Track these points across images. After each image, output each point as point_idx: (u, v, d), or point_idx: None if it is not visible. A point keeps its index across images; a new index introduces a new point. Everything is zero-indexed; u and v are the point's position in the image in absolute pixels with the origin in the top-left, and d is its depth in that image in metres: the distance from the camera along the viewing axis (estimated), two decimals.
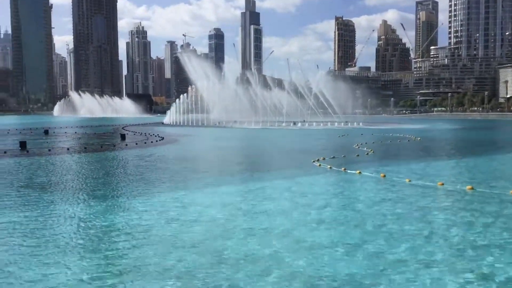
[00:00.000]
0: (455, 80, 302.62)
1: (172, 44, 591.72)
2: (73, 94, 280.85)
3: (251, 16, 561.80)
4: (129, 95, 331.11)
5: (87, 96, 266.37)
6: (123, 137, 53.34)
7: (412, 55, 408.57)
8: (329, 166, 27.34)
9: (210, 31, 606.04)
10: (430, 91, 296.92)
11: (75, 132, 71.19)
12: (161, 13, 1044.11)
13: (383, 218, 15.05)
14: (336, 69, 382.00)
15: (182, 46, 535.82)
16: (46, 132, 65.83)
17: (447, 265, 10.60)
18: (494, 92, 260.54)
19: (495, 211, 16.09)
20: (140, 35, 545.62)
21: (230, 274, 10.02)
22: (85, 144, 47.17)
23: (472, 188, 20.00)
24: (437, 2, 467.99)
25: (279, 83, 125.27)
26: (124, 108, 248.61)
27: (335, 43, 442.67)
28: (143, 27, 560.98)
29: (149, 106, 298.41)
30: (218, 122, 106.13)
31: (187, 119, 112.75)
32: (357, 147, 42.09)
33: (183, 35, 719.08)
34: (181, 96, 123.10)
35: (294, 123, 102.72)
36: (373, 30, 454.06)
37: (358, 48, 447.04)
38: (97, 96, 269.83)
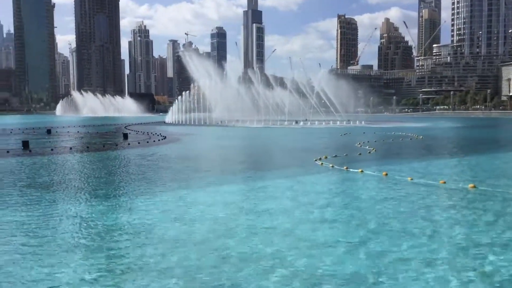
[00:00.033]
0: (458, 78, 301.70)
1: (174, 43, 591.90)
2: (75, 94, 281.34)
3: (253, 15, 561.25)
4: (131, 94, 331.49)
5: (89, 96, 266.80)
6: (125, 136, 53.42)
7: (415, 53, 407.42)
8: (331, 165, 27.33)
9: (212, 30, 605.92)
10: (433, 89, 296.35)
11: (78, 132, 71.36)
12: (163, 12, 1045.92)
13: (385, 217, 15.05)
14: (338, 67, 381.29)
15: (184, 45, 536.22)
16: (49, 131, 65.99)
17: (450, 263, 10.60)
18: (496, 90, 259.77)
19: (498, 209, 16.08)
20: (142, 34, 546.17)
21: (232, 273, 10.05)
22: (87, 143, 47.28)
23: (474, 187, 19.97)
24: (439, 0, 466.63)
25: (281, 82, 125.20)
26: (126, 107, 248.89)
27: (337, 42, 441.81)
28: (145, 26, 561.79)
29: (152, 105, 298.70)
30: (220, 121, 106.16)
31: (189, 118, 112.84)
32: (359, 145, 42.06)
33: (185, 34, 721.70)
34: (183, 93, 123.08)
35: (296, 122, 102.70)
36: (376, 28, 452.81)
37: (360, 46, 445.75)
38: (99, 96, 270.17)
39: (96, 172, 26.64)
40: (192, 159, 34.49)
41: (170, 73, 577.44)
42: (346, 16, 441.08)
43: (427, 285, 9.41)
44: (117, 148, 41.29)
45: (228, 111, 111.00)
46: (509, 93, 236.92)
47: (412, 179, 22.13)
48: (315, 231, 13.34)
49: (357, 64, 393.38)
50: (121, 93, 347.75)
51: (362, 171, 24.88)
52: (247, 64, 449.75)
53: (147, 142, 47.07)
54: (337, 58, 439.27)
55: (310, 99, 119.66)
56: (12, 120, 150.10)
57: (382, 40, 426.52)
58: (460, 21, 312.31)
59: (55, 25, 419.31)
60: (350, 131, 70.36)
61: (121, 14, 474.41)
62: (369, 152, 36.21)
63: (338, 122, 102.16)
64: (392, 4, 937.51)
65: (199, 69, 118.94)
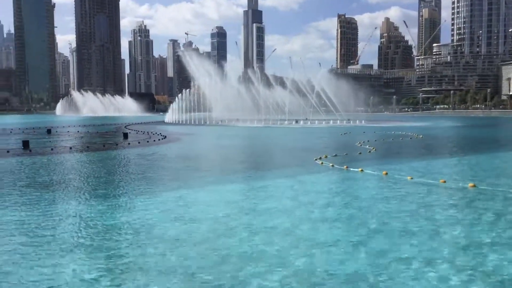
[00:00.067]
0: (458, 78, 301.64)
1: (174, 43, 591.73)
2: (75, 93, 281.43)
3: (254, 14, 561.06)
4: (132, 94, 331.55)
5: (89, 95, 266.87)
6: (125, 136, 53.44)
7: (415, 52, 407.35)
8: (331, 164, 27.33)
9: (212, 30, 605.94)
10: (433, 88, 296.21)
11: (78, 131, 71.38)
12: (163, 11, 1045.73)
13: (385, 216, 15.06)
14: (338, 67, 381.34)
15: (184, 44, 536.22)
16: (49, 131, 66.01)
17: (450, 262, 10.60)
18: (496, 89, 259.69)
19: (498, 209, 16.08)
20: (142, 33, 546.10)
21: (233, 273, 10.05)
22: (87, 143, 47.29)
23: (474, 186, 19.98)
24: None
25: (281, 81, 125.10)
26: (126, 107, 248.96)
27: (337, 41, 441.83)
28: (145, 26, 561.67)
29: (152, 104, 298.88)
30: (220, 121, 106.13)
31: (189, 118, 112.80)
32: (359, 145, 42.07)
33: (186, 33, 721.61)
34: (183, 90, 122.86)
35: (297, 121, 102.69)
36: (376, 28, 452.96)
37: (360, 46, 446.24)
38: (99, 95, 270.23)
39: (96, 172, 26.64)
40: (192, 159, 34.50)
41: (170, 72, 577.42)
42: (346, 16, 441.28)
43: (427, 284, 9.41)
44: (117, 148, 41.30)
45: (228, 111, 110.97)
46: (509, 92, 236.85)
47: (412, 178, 22.14)
48: (315, 230, 13.35)
49: (357, 63, 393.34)
50: (121, 92, 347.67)
51: (362, 170, 24.89)
52: (247, 63, 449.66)
53: (147, 141, 47.08)
54: (337, 58, 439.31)
55: (310, 99, 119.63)
56: (12, 120, 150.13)
57: (382, 40, 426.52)
58: (460, 20, 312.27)
59: (55, 25, 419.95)
60: (350, 130, 70.36)
61: (121, 14, 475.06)
62: (369, 152, 36.22)
63: (338, 122, 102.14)
64: (392, 4, 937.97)
65: (199, 69, 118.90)
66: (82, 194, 19.42)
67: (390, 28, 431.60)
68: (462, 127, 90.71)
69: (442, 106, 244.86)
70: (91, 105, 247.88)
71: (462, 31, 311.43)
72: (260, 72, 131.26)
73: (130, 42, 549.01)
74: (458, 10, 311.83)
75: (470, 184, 20.26)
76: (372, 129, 75.29)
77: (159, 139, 49.87)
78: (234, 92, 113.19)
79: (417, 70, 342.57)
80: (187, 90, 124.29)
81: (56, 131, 69.90)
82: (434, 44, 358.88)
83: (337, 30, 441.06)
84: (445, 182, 21.12)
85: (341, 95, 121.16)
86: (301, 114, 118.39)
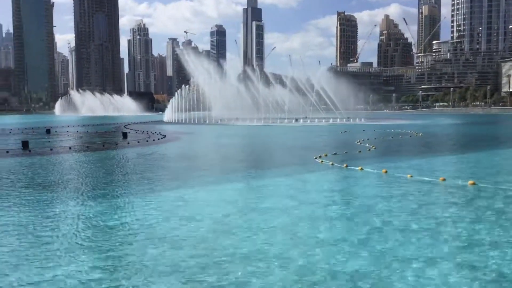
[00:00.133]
0: (458, 75, 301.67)
1: (173, 41, 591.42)
2: (73, 92, 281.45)
3: (253, 12, 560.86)
4: (131, 93, 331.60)
5: (87, 94, 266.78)
6: (125, 135, 53.41)
7: (414, 50, 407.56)
8: (331, 163, 27.33)
9: (211, 28, 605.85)
10: (432, 86, 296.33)
11: (77, 131, 71.35)
12: (162, 10, 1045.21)
13: (384, 214, 15.04)
14: (338, 64, 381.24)
15: (183, 43, 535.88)
16: (48, 131, 65.97)
17: (449, 260, 10.59)
18: (496, 86, 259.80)
19: (498, 206, 16.07)
20: (141, 32, 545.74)
21: (234, 272, 10.04)
22: (87, 143, 47.26)
23: (474, 183, 19.96)
24: None
25: (281, 80, 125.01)
26: (125, 106, 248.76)
27: (337, 39, 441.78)
28: (144, 25, 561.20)
29: (151, 104, 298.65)
30: (219, 120, 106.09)
31: (188, 117, 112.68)
32: (359, 143, 42.07)
33: (185, 32, 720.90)
34: (183, 86, 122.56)
35: (296, 120, 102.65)
36: (375, 25, 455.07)
37: (360, 43, 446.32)
38: (97, 94, 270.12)
39: (96, 172, 26.61)
40: (192, 158, 34.50)
41: (169, 71, 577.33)
42: (345, 13, 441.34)
43: (426, 282, 9.40)
44: (117, 148, 41.28)
45: (228, 109, 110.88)
46: (509, 89, 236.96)
47: (411, 176, 22.13)
48: (315, 229, 13.34)
49: (357, 61, 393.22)
50: (120, 92, 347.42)
51: (362, 168, 24.88)
52: (247, 62, 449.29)
53: (147, 141, 47.06)
54: (336, 56, 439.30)
55: (309, 97, 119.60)
56: (11, 120, 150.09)
57: (382, 37, 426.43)
58: (460, 17, 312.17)
59: (54, 24, 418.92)
60: (350, 128, 70.35)
61: (120, 13, 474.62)
62: (369, 150, 36.21)
63: (338, 120, 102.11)
64: (391, 1, 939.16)
65: (197, 67, 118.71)
66: (82, 194, 19.39)
67: (389, 26, 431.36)
68: (461, 124, 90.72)
69: (441, 103, 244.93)
70: (90, 104, 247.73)
71: (462, 28, 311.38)
72: (259, 70, 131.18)
73: (129, 41, 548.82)
74: (458, 7, 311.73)
75: (470, 182, 20.25)
76: (371, 127, 75.28)
77: (158, 139, 49.85)
78: (233, 91, 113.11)
79: (416, 67, 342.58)
80: (186, 86, 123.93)
81: (55, 131, 69.85)
82: (434, 41, 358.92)
83: (337, 27, 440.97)
84: (444, 180, 21.11)
85: (341, 93, 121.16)
86: (301, 113, 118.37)
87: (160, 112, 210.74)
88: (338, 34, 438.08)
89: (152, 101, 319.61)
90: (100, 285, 9.50)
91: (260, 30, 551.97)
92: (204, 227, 13.81)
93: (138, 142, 45.87)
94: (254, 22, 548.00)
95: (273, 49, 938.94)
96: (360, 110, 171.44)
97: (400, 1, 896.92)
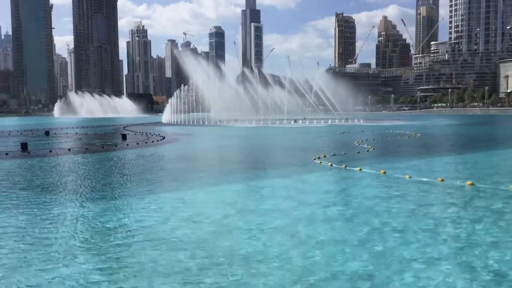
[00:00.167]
0: (456, 76, 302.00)
1: (172, 43, 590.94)
2: (72, 94, 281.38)
3: (252, 14, 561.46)
4: (130, 95, 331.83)
5: (86, 96, 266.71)
6: (124, 137, 53.40)
7: (413, 51, 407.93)
8: (329, 164, 27.39)
9: (210, 29, 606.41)
10: (430, 87, 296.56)
11: (76, 133, 71.32)
12: (161, 11, 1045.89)
13: (383, 215, 15.09)
14: (336, 66, 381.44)
15: (182, 44, 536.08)
16: (47, 133, 65.93)
17: (449, 260, 10.64)
18: (494, 87, 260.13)
19: (496, 206, 16.13)
20: (140, 34, 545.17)
21: (234, 273, 10.07)
22: (86, 144, 47.25)
23: (472, 184, 20.04)
24: None
25: (279, 81, 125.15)
26: (124, 108, 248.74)
27: (335, 40, 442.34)
28: (143, 26, 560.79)
29: (150, 105, 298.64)
30: (218, 121, 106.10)
31: (187, 118, 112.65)
32: (357, 144, 42.15)
33: (184, 33, 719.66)
34: (181, 86, 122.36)
35: (295, 121, 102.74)
36: (374, 26, 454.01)
37: (358, 44, 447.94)
38: (96, 96, 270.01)
39: (95, 174, 26.63)
40: (191, 159, 34.53)
41: (168, 73, 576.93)
42: (344, 15, 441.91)
43: (427, 282, 9.46)
44: (116, 149, 41.27)
45: (227, 111, 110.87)
46: (507, 90, 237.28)
47: (410, 177, 22.19)
48: (313, 230, 13.38)
49: (355, 62, 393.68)
50: (119, 93, 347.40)
51: (360, 169, 24.95)
52: (246, 63, 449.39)
53: (146, 142, 47.08)
54: (335, 57, 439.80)
55: (308, 98, 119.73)
56: (10, 122, 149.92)
57: (380, 38, 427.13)
58: (458, 18, 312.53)
59: (53, 26, 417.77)
60: (348, 129, 70.44)
61: (119, 14, 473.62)
62: (368, 151, 36.29)
63: (336, 121, 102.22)
64: (390, 2, 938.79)
65: (196, 69, 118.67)
66: (81, 196, 19.42)
67: (388, 27, 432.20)
68: (459, 125, 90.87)
69: (440, 104, 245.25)
70: (89, 106, 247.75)
71: (459, 29, 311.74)
72: (258, 71, 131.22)
73: (128, 43, 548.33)
74: (456, 7, 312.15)
75: (468, 182, 20.33)
76: (370, 128, 75.40)
77: (157, 140, 49.87)
78: (232, 92, 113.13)
79: (415, 68, 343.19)
80: (185, 86, 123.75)
81: (54, 133, 69.81)
82: (432, 42, 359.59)
83: (335, 29, 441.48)
84: (443, 180, 21.19)
85: (339, 94, 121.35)
86: (300, 114, 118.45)
87: (159, 114, 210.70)
88: (337, 35, 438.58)
89: (151, 102, 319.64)
90: (99, 286, 9.54)
91: (258, 31, 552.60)
92: (204, 229, 13.86)
93: (137, 143, 45.89)
94: (252, 24, 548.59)
95: (271, 50, 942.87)
96: (358, 111, 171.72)
97: (398, 2, 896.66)
